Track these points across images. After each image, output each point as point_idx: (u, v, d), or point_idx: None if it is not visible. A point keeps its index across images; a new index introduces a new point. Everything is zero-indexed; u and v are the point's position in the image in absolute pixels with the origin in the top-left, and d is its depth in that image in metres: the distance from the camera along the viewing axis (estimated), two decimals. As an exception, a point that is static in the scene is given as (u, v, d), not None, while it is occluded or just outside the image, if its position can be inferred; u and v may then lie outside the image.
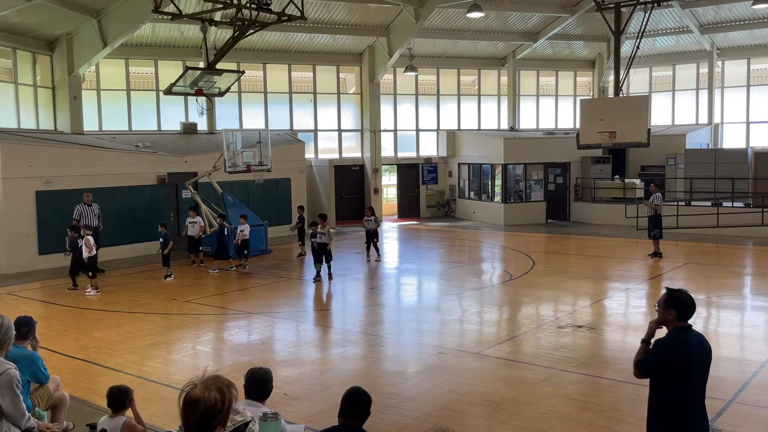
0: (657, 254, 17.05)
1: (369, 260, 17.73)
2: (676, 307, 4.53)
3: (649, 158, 25.96)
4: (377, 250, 17.86)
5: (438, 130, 28.15)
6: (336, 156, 26.58)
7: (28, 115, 20.40)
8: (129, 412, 5.60)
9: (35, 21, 19.11)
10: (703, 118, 27.92)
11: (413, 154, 28.03)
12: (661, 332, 4.64)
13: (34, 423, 4.70)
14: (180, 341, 10.58)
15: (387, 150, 27.30)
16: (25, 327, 5.79)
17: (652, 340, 4.63)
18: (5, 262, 16.19)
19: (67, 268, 14.57)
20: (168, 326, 11.43)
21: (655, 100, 27.28)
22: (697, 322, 4.63)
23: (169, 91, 17.03)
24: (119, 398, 5.50)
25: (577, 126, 22.83)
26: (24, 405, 4.44)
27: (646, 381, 4.68)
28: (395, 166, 28.06)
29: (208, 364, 9.26)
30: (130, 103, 22.63)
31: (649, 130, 19.56)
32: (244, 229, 16.51)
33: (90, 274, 13.92)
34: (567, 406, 7.53)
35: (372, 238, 17.77)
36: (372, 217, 17.98)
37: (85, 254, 13.83)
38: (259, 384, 4.82)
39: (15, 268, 16.15)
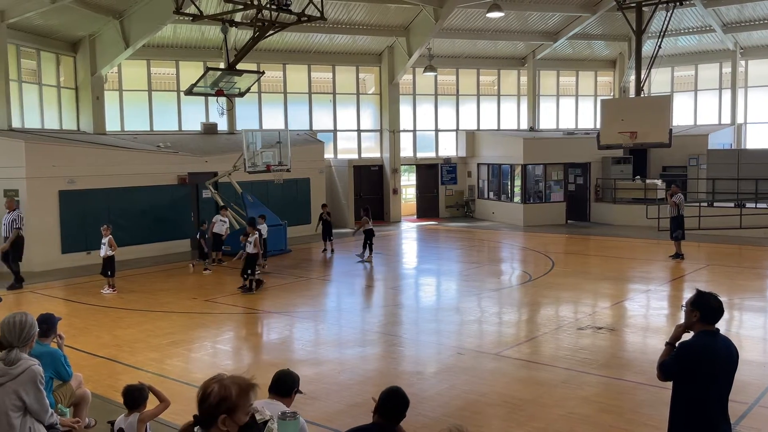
0: (678, 255, 16.88)
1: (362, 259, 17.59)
2: (700, 309, 4.48)
3: (670, 159, 25.70)
4: (371, 249, 17.66)
5: (457, 130, 28.08)
6: (355, 156, 26.62)
7: (52, 116, 20.68)
8: (150, 402, 5.68)
9: (59, 22, 19.36)
10: (726, 118, 27.57)
11: (432, 155, 27.99)
12: (688, 335, 4.59)
13: (57, 419, 4.76)
14: (200, 340, 10.66)
15: (406, 150, 27.29)
16: (46, 324, 5.86)
17: (677, 343, 4.59)
18: (29, 261, 16.37)
19: (89, 266, 14.71)
20: (188, 325, 11.52)
21: (677, 100, 26.99)
22: (719, 325, 4.56)
23: (190, 92, 17.19)
24: (133, 397, 5.59)
25: (598, 126, 22.68)
26: (47, 401, 4.50)
27: (668, 383, 4.64)
28: (414, 166, 28.04)
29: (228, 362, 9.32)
30: (152, 104, 22.85)
31: (671, 130, 19.38)
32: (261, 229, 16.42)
33: (108, 273, 14.04)
34: (586, 407, 7.48)
35: (369, 237, 17.68)
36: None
37: (105, 253, 13.96)
38: (281, 381, 4.84)
39: (38, 266, 16.36)
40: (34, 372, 4.34)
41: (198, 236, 17.25)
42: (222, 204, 18.40)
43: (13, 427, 4.26)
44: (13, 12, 17.63)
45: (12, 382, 4.28)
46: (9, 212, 14.53)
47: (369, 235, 17.54)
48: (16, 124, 18.59)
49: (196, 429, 2.95)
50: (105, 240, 13.95)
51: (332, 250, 18.97)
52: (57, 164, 16.95)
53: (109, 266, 14.04)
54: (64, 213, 17.10)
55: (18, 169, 16.40)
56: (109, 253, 13.97)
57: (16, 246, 14.51)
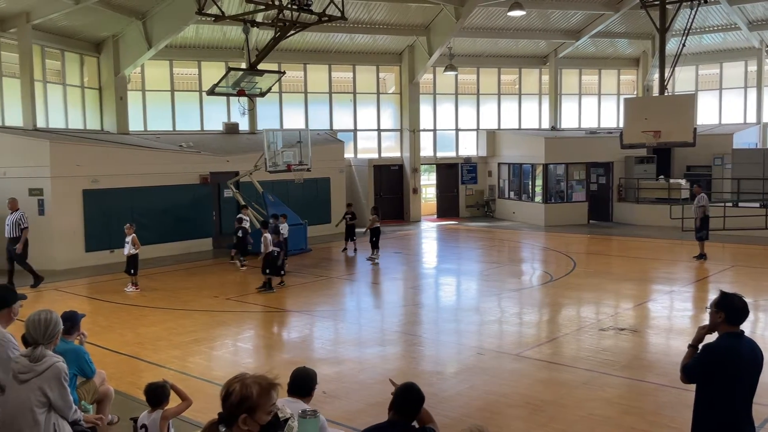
0: (702, 256, 16.68)
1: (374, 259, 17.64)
2: (725, 310, 4.43)
3: (695, 158, 25.39)
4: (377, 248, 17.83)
5: (478, 129, 27.98)
6: (375, 156, 26.63)
7: (76, 116, 20.95)
8: (172, 400, 5.73)
9: (83, 23, 19.60)
10: (752, 117, 27.16)
11: (452, 154, 27.92)
12: (712, 337, 4.54)
13: (80, 416, 4.82)
14: (221, 338, 10.74)
15: (426, 150, 27.25)
16: (69, 322, 5.93)
17: (701, 345, 4.53)
18: (53, 259, 16.63)
19: (112, 264, 14.83)
20: (210, 323, 11.60)
21: (701, 99, 26.67)
22: (744, 326, 4.49)
23: (212, 92, 17.32)
24: (155, 395, 5.65)
25: (621, 125, 22.47)
26: (71, 398, 4.56)
27: (691, 385, 4.58)
28: (434, 165, 27.99)
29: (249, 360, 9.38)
30: (174, 104, 23.07)
31: (695, 129, 19.15)
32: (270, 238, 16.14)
33: (132, 271, 14.17)
34: (608, 409, 7.41)
35: (374, 235, 17.80)
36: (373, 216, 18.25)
37: (128, 251, 14.11)
38: (300, 381, 4.87)
39: (62, 264, 16.58)
40: (58, 369, 4.40)
41: (239, 233, 17.17)
42: (243, 203, 18.50)
43: (38, 423, 4.32)
44: (38, 13, 17.88)
45: (37, 378, 4.34)
46: (12, 212, 14.43)
47: (375, 234, 17.69)
48: (41, 123, 18.86)
49: (220, 427, 2.97)
50: (128, 238, 14.08)
51: (355, 250, 18.99)
52: (81, 164, 17.16)
53: (132, 264, 14.16)
54: (88, 212, 17.31)
55: (43, 168, 16.62)
56: (133, 251, 14.08)
57: (24, 245, 14.46)
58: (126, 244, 14.15)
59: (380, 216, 18.33)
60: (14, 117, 18.45)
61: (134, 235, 14.13)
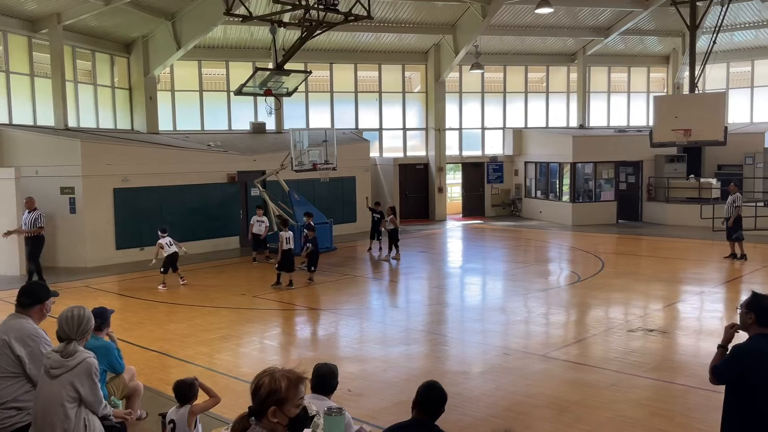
0: (734, 256, 16.41)
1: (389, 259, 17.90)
2: (756, 311, 4.36)
3: (726, 157, 24.96)
4: (394, 248, 18.04)
5: (504, 128, 27.82)
6: (401, 155, 26.63)
7: (107, 116, 21.28)
8: (200, 397, 5.80)
9: (113, 24, 19.89)
10: (785, 115, 26.64)
11: (478, 153, 27.80)
12: (742, 337, 4.47)
13: (110, 411, 4.89)
14: (248, 335, 10.83)
15: (452, 148, 27.18)
16: (99, 318, 6.03)
17: (730, 346, 4.47)
18: (84, 257, 16.91)
19: (142, 262, 15.02)
20: (237, 320, 11.71)
21: (732, 97, 26.24)
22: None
23: (239, 92, 17.46)
24: (183, 392, 5.72)
25: (650, 124, 22.20)
26: (101, 393, 4.63)
27: (721, 387, 4.52)
28: (460, 164, 27.89)
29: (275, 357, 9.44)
30: (203, 104, 23.31)
31: (726, 127, 18.84)
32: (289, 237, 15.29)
33: (165, 270, 14.36)
34: (636, 411, 7.33)
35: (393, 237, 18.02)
36: (389, 217, 18.28)
37: (171, 249, 14.40)
38: (323, 379, 4.90)
39: (93, 262, 16.85)
40: (89, 364, 4.48)
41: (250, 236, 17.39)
42: (266, 202, 18.66)
43: (69, 418, 4.40)
44: (69, 14, 18.19)
45: (68, 373, 4.42)
46: (29, 212, 14.45)
47: (394, 234, 17.85)
48: (72, 123, 19.19)
49: (250, 420, 3.03)
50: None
51: (380, 249, 19.00)
52: (111, 163, 17.41)
53: (170, 263, 14.40)
54: (119, 210, 17.56)
55: (74, 167, 16.90)
56: (173, 250, 14.43)
57: (36, 243, 14.49)
58: (169, 245, 14.36)
59: (397, 215, 18.51)
60: (46, 117, 18.80)
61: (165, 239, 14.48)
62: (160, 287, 14.19)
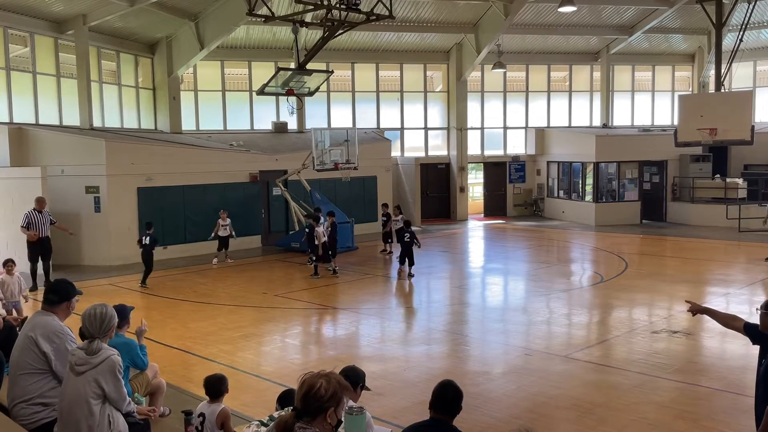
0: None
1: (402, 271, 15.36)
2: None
3: (752, 157, 24.61)
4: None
5: (526, 127, 27.66)
6: (422, 154, 26.59)
7: (131, 115, 21.51)
8: (225, 401, 5.84)
9: (137, 25, 20.11)
10: (814, 114, 26.18)
11: (500, 152, 27.68)
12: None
13: (133, 407, 4.94)
14: (270, 333, 10.88)
15: (473, 148, 27.08)
16: (119, 316, 6.09)
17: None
18: (109, 255, 17.11)
19: (165, 260, 15.15)
20: (259, 319, 11.78)
21: (759, 96, 25.84)
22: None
23: (261, 92, 17.55)
24: (215, 387, 5.78)
25: (675, 123, 21.95)
26: (125, 390, 4.68)
27: (747, 390, 4.44)
28: (482, 164, 27.79)
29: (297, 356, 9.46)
30: (225, 104, 23.47)
31: (753, 126, 18.58)
32: (325, 231, 15.92)
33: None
34: (660, 413, 7.24)
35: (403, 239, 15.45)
36: (400, 216, 18.03)
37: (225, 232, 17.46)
38: (346, 378, 4.90)
39: (117, 260, 17.03)
40: (113, 361, 4.53)
41: (305, 238, 16.45)
42: (287, 201, 18.82)
43: (93, 414, 4.45)
44: (94, 15, 18.43)
45: (92, 370, 4.47)
46: (40, 212, 14.40)
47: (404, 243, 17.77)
48: (96, 123, 19.43)
49: (300, 422, 3.09)
50: (226, 222, 17.43)
51: (391, 251, 18.78)
52: (135, 162, 17.60)
53: (224, 243, 17.44)
54: (142, 209, 17.74)
55: (99, 166, 17.11)
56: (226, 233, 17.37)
57: (43, 245, 14.37)
58: (224, 227, 17.38)
59: (411, 218, 18.54)
60: (71, 117, 19.06)
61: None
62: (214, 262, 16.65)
